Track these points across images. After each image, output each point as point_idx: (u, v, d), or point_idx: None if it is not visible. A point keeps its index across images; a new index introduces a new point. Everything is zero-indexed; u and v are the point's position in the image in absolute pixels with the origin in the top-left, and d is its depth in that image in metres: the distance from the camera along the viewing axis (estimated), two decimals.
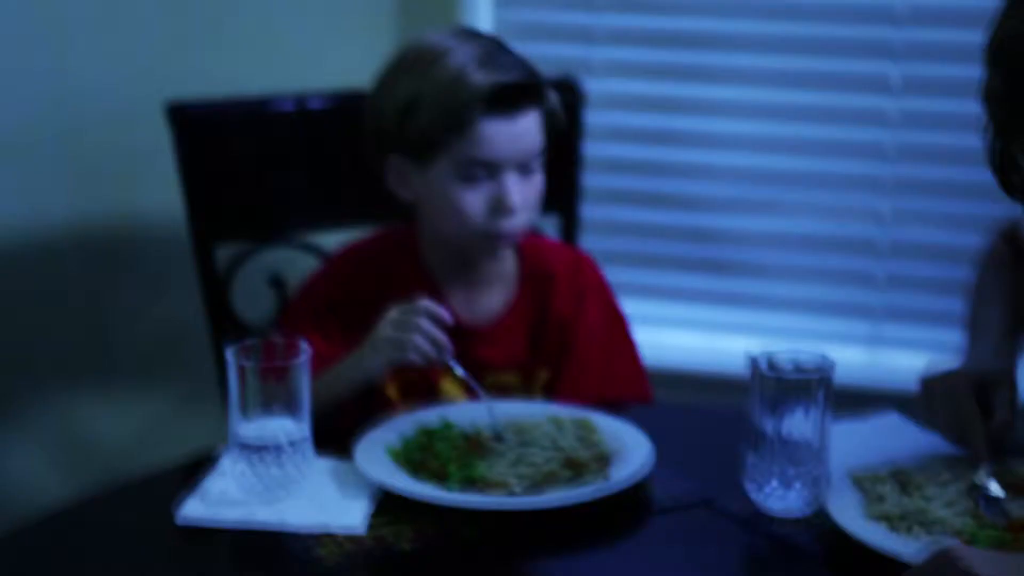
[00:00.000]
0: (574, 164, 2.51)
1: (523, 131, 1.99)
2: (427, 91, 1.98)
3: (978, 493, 1.66)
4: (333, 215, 2.43)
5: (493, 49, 2.01)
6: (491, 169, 1.99)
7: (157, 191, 2.61)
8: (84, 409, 2.68)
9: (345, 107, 2.38)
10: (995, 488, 1.66)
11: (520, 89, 1.98)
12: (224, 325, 2.35)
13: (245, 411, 1.69)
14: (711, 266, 2.95)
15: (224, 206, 2.36)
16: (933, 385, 1.79)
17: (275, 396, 1.70)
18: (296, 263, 2.41)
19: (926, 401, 1.80)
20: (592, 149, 2.77)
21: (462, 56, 1.98)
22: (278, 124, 2.39)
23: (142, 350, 2.75)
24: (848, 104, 2.81)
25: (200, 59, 2.68)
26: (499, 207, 1.99)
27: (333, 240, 2.30)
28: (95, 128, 2.61)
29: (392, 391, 2.04)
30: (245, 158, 2.37)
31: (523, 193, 2.01)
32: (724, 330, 2.95)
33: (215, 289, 2.34)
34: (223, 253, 2.38)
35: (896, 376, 2.36)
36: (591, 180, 2.77)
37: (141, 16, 2.64)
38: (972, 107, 2.62)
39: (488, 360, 2.07)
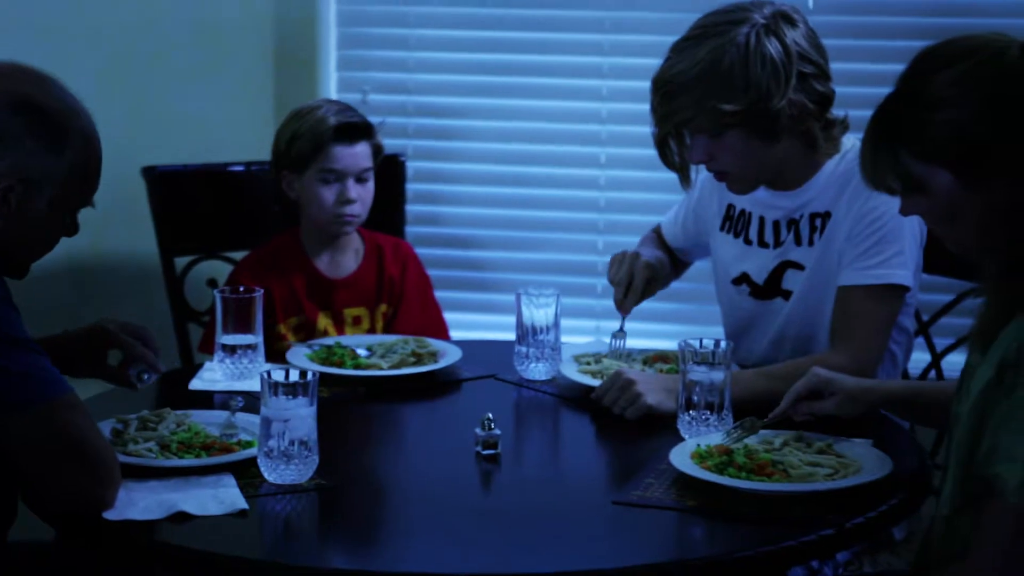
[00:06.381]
0: (402, 217, 3.65)
1: (358, 153, 3.16)
2: (303, 129, 3.14)
3: (617, 336, 2.88)
4: (245, 237, 3.46)
5: (344, 108, 3.19)
6: (339, 176, 3.14)
7: (121, 232, 3.59)
8: None
9: (252, 172, 3.49)
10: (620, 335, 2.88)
11: (356, 128, 3.15)
12: (181, 311, 3.43)
13: (225, 327, 2.77)
14: (482, 265, 3.88)
15: (179, 231, 3.43)
16: (618, 256, 2.89)
17: (241, 318, 2.77)
18: (223, 270, 3.46)
19: (612, 264, 2.88)
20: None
21: (325, 110, 3.16)
22: (213, 180, 3.48)
23: None
24: (572, 153, 3.82)
25: (143, 133, 3.60)
26: (342, 199, 3.14)
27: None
28: None
29: (284, 329, 3.15)
30: (192, 201, 3.45)
31: (358, 192, 3.15)
32: (492, 311, 3.85)
33: (175, 286, 3.42)
34: (179, 264, 3.43)
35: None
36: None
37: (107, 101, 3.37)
38: (655, 179, 3.73)
39: (345, 300, 3.20)
